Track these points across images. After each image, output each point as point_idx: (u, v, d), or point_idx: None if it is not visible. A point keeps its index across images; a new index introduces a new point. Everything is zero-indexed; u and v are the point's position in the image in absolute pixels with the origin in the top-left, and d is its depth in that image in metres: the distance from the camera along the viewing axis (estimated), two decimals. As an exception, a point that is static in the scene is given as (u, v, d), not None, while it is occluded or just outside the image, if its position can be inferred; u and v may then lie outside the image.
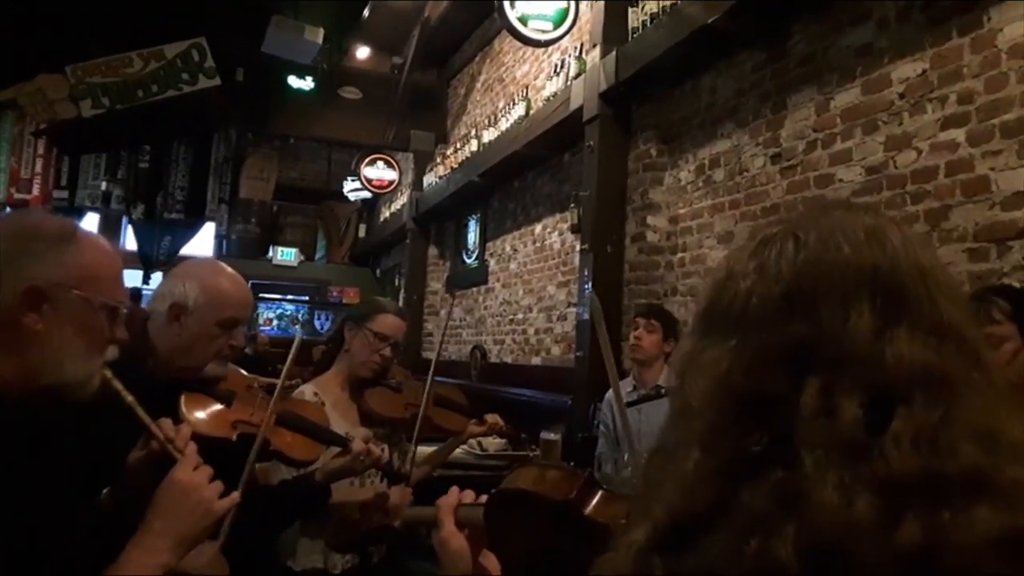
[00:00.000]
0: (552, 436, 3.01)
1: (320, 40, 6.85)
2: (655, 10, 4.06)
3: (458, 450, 2.92)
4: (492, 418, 2.69)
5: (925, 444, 0.50)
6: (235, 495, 1.28)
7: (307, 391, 2.26)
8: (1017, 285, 2.34)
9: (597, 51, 4.62)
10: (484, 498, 0.98)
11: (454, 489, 1.02)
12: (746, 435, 0.54)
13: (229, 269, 1.71)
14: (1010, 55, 2.49)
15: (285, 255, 12.09)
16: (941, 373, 0.53)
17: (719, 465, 0.54)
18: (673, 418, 0.61)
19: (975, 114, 2.60)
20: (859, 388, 0.52)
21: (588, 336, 4.43)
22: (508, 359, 6.49)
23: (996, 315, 1.87)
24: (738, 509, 0.51)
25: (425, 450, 2.63)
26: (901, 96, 2.88)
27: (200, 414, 1.59)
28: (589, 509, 0.83)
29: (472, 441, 3.39)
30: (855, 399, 0.52)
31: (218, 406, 1.64)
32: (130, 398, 1.25)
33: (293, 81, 7.90)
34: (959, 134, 2.65)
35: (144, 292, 8.23)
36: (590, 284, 4.49)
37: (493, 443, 3.82)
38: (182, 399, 1.57)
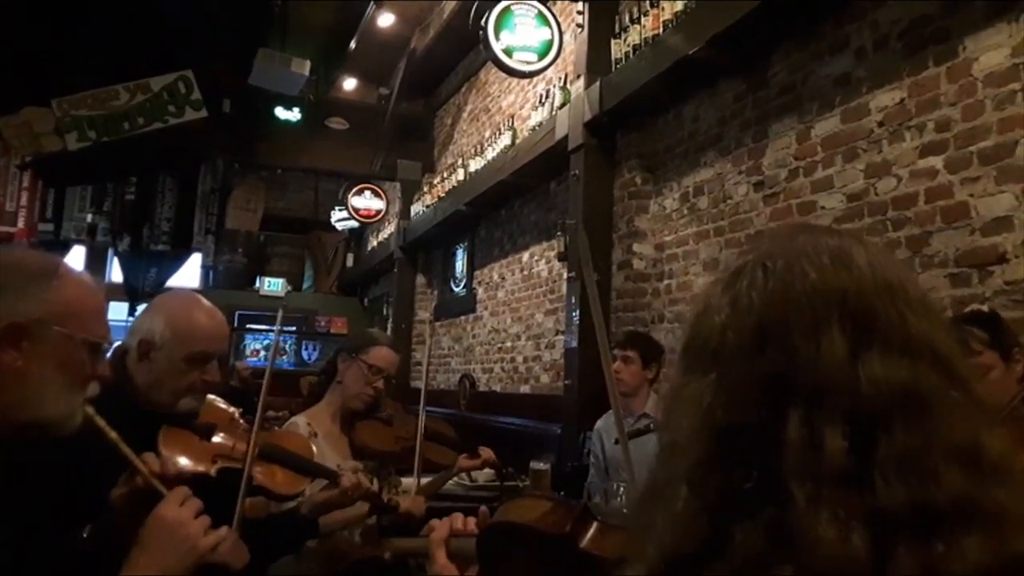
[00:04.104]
0: (542, 465, 3.00)
1: (307, 72, 6.90)
2: (638, 41, 4.12)
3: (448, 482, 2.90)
4: (486, 452, 2.67)
5: (910, 470, 0.50)
6: (223, 530, 1.26)
7: (300, 423, 2.25)
8: (986, 309, 2.32)
9: (581, 81, 4.68)
10: (474, 523, 0.96)
11: (445, 520, 0.99)
12: (733, 470, 0.54)
13: (204, 302, 1.66)
14: (986, 83, 2.54)
15: (272, 285, 12.01)
16: (917, 393, 0.53)
17: (708, 503, 0.54)
18: (661, 455, 0.61)
19: (953, 141, 2.64)
20: (840, 416, 0.52)
21: (577, 364, 4.43)
22: (497, 387, 6.46)
23: (975, 345, 1.81)
24: (732, 549, 0.51)
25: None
26: (880, 124, 2.93)
27: (178, 448, 1.53)
28: (584, 542, 0.82)
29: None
30: (838, 428, 0.52)
31: (197, 440, 1.60)
32: (113, 434, 1.23)
33: (280, 112, 7.93)
34: (938, 161, 2.69)
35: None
36: (577, 312, 4.50)
37: (483, 474, 3.79)
38: (160, 434, 1.53)
